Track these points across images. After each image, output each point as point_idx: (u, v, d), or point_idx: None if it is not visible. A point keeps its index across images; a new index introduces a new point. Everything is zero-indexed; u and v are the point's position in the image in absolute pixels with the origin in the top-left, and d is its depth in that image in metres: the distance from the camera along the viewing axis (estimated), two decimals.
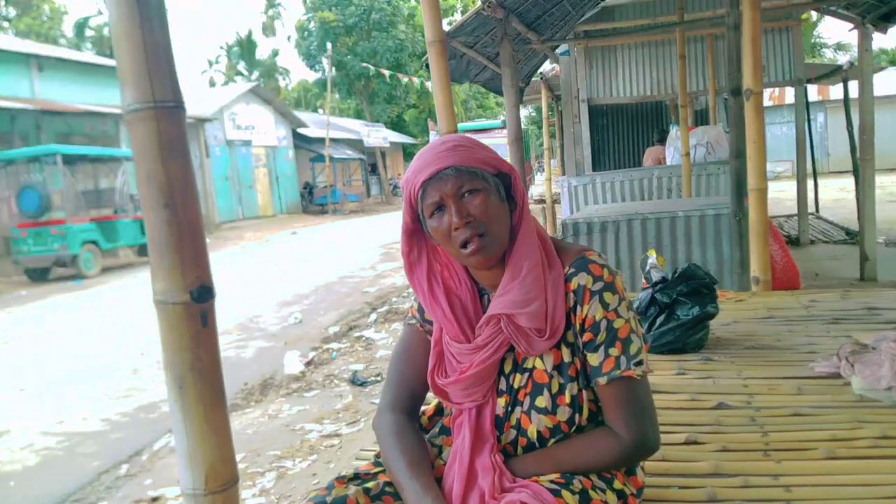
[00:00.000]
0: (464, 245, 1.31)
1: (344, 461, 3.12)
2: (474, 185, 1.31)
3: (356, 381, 4.90)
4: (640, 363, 1.33)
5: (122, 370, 5.90)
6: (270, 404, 4.72)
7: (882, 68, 17.01)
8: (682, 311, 2.63)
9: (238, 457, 3.70)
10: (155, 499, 3.39)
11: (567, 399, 1.35)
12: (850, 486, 1.56)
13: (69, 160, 14.17)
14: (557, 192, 10.59)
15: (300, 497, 3.09)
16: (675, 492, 1.63)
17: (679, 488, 1.65)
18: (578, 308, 1.33)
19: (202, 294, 1.41)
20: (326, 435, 3.98)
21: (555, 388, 1.35)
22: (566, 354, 1.36)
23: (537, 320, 1.32)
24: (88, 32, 35.78)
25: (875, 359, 2.12)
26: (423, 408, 1.59)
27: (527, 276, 1.32)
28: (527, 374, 1.37)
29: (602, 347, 1.33)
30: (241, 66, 41.68)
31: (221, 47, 42.31)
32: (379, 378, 4.82)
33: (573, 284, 1.34)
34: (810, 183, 9.74)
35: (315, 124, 29.37)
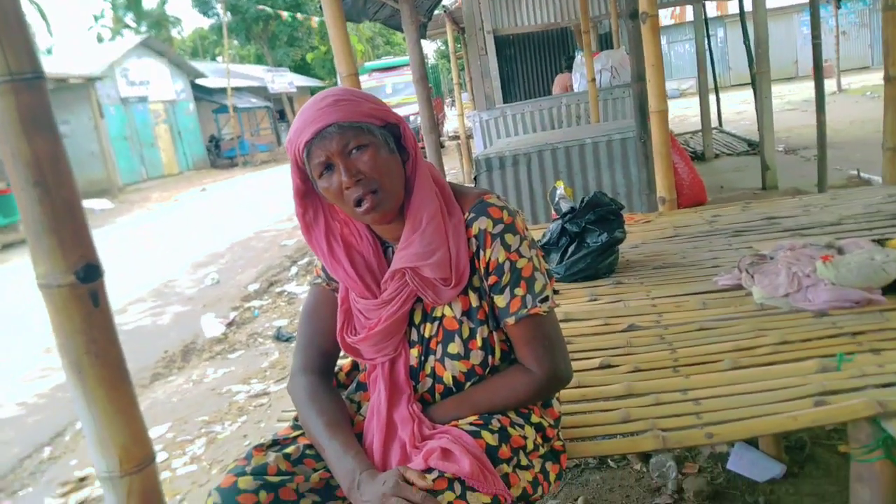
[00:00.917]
0: (357, 203, 1.28)
1: (274, 420, 3.09)
2: (361, 141, 1.26)
3: (281, 337, 4.84)
4: (545, 299, 1.34)
5: (34, 350, 5.64)
6: (194, 370, 4.62)
7: None
8: (592, 239, 2.68)
9: (164, 427, 3.67)
10: (82, 479, 3.29)
11: (479, 343, 1.36)
12: (753, 394, 1.63)
13: None
14: (470, 126, 10.55)
15: (233, 460, 3.06)
16: (592, 416, 1.68)
17: (597, 412, 1.70)
18: (481, 252, 1.33)
19: (89, 273, 1.34)
20: (254, 395, 3.93)
21: (465, 334, 1.36)
22: (474, 299, 1.36)
23: (442, 270, 1.31)
24: None
25: (773, 268, 2.22)
26: (340, 363, 1.58)
27: (427, 227, 1.30)
28: (437, 323, 1.37)
29: (507, 289, 1.33)
30: (129, 19, 39.18)
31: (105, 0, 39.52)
32: None
33: (474, 229, 1.33)
34: (713, 98, 10.01)
35: (215, 73, 28.06)
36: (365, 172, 1.26)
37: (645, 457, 2.44)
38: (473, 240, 1.33)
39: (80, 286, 1.33)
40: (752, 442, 2.34)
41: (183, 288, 7.23)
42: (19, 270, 10.23)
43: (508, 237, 1.32)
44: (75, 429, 3.96)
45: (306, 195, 1.36)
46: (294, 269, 7.18)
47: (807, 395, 1.57)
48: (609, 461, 2.48)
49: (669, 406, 1.65)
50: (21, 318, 6.93)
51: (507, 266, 1.32)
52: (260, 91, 29.79)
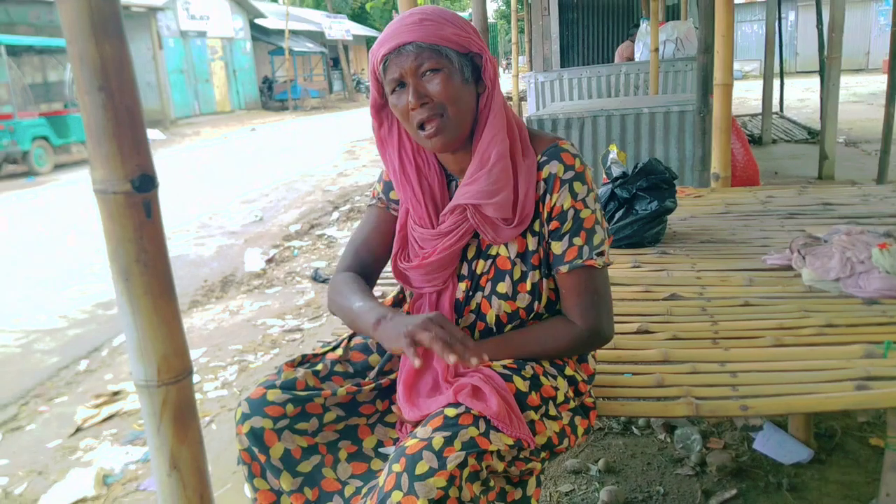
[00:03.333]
0: (421, 126, 1.28)
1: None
2: (435, 64, 1.25)
3: (318, 278, 4.90)
4: (601, 254, 1.34)
5: (78, 267, 5.81)
6: (231, 301, 4.71)
7: None
8: (641, 206, 2.64)
9: (199, 351, 3.76)
10: (116, 393, 3.39)
11: (528, 286, 1.36)
12: (794, 372, 1.60)
13: (13, 51, 13.40)
14: (524, 89, 10.40)
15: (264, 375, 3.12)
16: (626, 378, 1.67)
17: (631, 375, 1.68)
18: (548, 196, 1.32)
19: (144, 183, 1.35)
20: (288, 330, 4.00)
21: (517, 275, 1.36)
22: (531, 243, 1.36)
23: (504, 210, 1.30)
24: None
25: (826, 251, 2.16)
26: (381, 300, 1.59)
27: (495, 166, 1.29)
28: (490, 261, 1.38)
29: (567, 236, 1.33)
30: None
31: None
32: None
33: (544, 173, 1.32)
34: (776, 82, 9.68)
35: (273, 15, 28.05)
36: (432, 96, 1.25)
37: (670, 428, 2.42)
38: (542, 183, 1.32)
39: (135, 195, 1.33)
40: (782, 425, 2.31)
41: (227, 222, 7.34)
42: (69, 188, 10.50)
43: (577, 185, 1.31)
44: (112, 345, 4.08)
45: (382, 109, 1.38)
46: (336, 215, 7.23)
47: (849, 378, 1.54)
48: (633, 428, 2.47)
49: (706, 376, 1.63)
50: (68, 234, 7.12)
51: (570, 213, 1.31)
52: (316, 36, 29.72)
